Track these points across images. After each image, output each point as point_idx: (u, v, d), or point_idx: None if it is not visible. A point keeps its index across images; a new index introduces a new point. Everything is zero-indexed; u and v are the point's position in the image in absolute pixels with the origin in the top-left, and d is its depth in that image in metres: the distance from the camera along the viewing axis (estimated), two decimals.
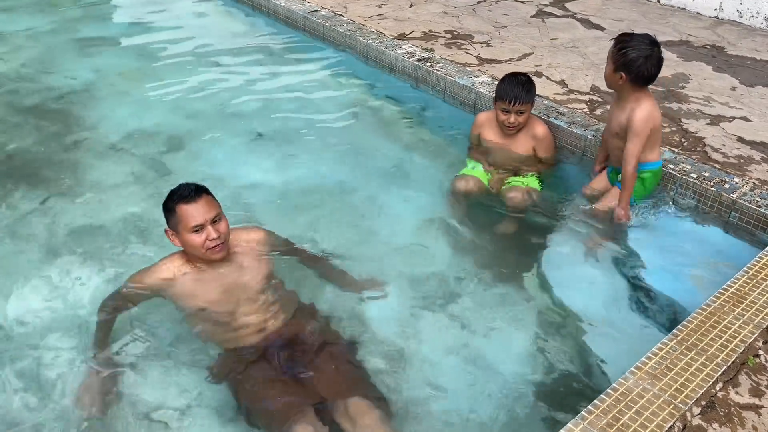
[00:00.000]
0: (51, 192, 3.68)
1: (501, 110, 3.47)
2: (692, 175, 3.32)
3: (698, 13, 5.98)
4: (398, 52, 4.88)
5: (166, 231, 2.53)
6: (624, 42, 2.99)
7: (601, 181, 3.44)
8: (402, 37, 5.24)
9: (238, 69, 5.25)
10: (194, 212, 2.40)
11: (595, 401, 2.06)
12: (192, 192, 2.44)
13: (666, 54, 4.96)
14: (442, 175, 3.82)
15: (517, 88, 3.40)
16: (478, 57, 4.87)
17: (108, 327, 2.60)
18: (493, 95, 3.60)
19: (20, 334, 2.75)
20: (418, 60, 4.73)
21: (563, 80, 4.50)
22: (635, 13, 5.95)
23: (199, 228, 2.41)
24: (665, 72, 4.62)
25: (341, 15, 5.70)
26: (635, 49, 2.94)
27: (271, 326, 2.52)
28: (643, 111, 3.01)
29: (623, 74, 2.99)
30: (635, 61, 2.94)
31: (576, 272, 3.10)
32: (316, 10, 5.79)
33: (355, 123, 4.49)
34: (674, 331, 2.34)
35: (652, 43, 2.98)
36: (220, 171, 3.89)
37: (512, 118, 3.46)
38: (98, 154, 4.06)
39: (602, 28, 5.52)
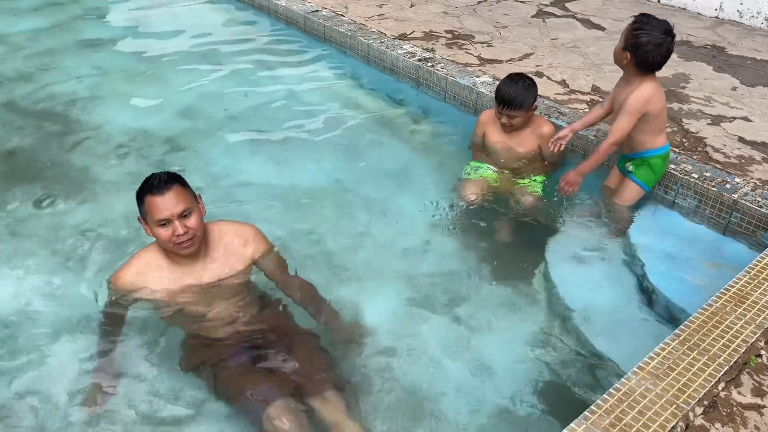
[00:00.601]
0: (52, 192, 3.68)
1: (498, 111, 3.48)
2: (693, 175, 3.32)
3: (699, 13, 5.99)
4: (399, 52, 4.88)
5: (138, 219, 2.45)
6: (640, 23, 2.95)
7: (614, 177, 3.44)
8: (403, 37, 5.25)
9: (238, 69, 5.25)
10: (161, 205, 2.30)
11: (598, 401, 2.06)
12: (161, 183, 2.32)
13: None
14: (442, 175, 3.83)
15: (509, 94, 3.38)
16: (479, 57, 4.87)
17: (108, 338, 2.55)
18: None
19: (20, 333, 2.75)
20: (419, 60, 4.73)
21: (564, 80, 4.50)
22: (636, 12, 5.92)
23: (165, 222, 2.31)
24: (666, 72, 4.63)
25: (342, 15, 5.70)
26: (648, 34, 2.91)
27: (241, 319, 2.50)
28: (642, 92, 2.99)
29: (629, 55, 2.97)
30: (644, 46, 2.92)
31: (578, 273, 3.10)
32: (317, 10, 5.79)
33: (355, 123, 4.50)
34: (676, 331, 2.35)
35: (666, 32, 2.94)
36: (221, 171, 3.90)
37: (504, 119, 3.48)
38: (99, 155, 4.06)
39: (603, 28, 5.53)
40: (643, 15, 3.02)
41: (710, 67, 4.75)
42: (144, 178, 2.39)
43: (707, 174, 3.33)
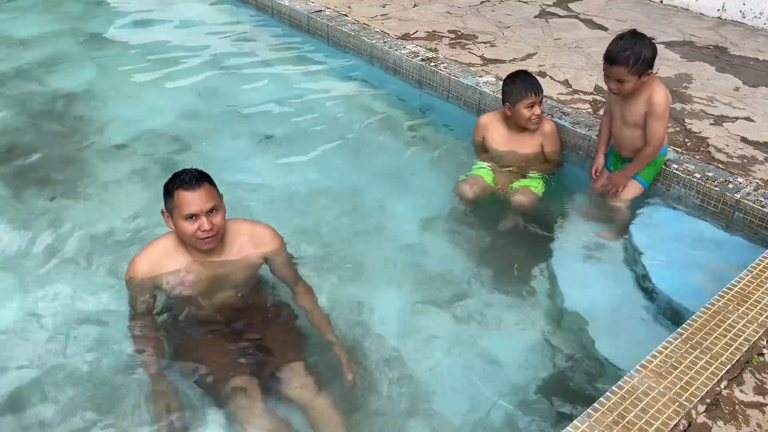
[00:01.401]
0: (57, 191, 3.70)
1: (527, 107, 3.48)
2: (696, 174, 3.33)
3: (701, 14, 6.00)
4: (402, 52, 4.90)
5: (162, 212, 2.50)
6: (632, 55, 2.98)
7: (604, 177, 3.45)
8: (406, 37, 5.26)
9: (242, 69, 5.27)
10: (191, 200, 2.36)
11: (601, 399, 2.08)
12: (193, 179, 2.39)
13: (669, 54, 5.01)
14: (445, 175, 3.84)
15: (532, 79, 3.51)
16: (482, 57, 4.89)
17: (147, 332, 2.54)
18: (498, 95, 3.61)
19: (26, 333, 2.76)
20: (422, 60, 4.75)
21: (567, 80, 4.51)
22: (638, 13, 5.96)
23: (193, 216, 2.37)
24: (669, 72, 4.65)
25: (345, 15, 5.71)
26: (645, 48, 2.99)
27: (233, 306, 2.60)
28: (660, 93, 3.07)
29: (650, 72, 3.04)
30: (654, 53, 3.02)
31: (581, 272, 3.11)
32: (321, 10, 5.81)
33: (358, 123, 4.51)
34: (679, 329, 2.36)
35: (635, 34, 3.05)
36: (224, 171, 3.89)
37: (538, 110, 3.50)
38: (104, 154, 4.08)
39: (605, 29, 5.54)
40: (617, 51, 3.03)
41: (713, 68, 4.76)
42: (173, 173, 2.47)
43: (710, 174, 3.34)
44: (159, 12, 6.48)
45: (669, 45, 5.20)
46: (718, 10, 5.90)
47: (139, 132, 4.33)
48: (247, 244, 2.60)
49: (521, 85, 3.48)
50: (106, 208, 3.56)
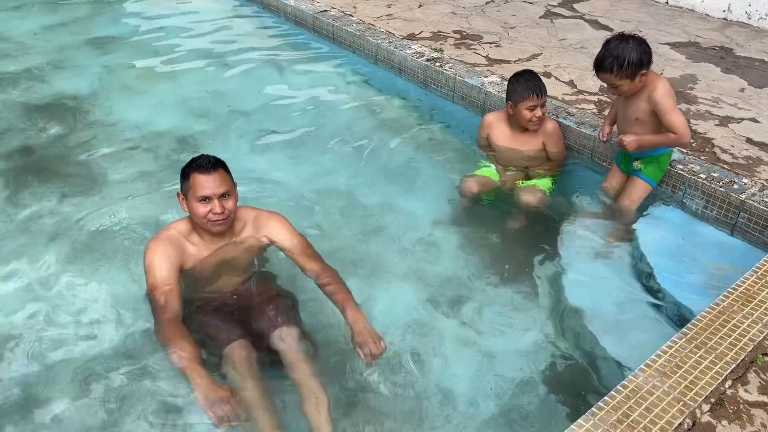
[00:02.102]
0: (64, 189, 3.72)
1: (528, 108, 3.49)
2: (701, 175, 3.33)
3: (707, 15, 5.99)
4: (407, 52, 4.91)
5: (177, 194, 2.62)
6: (616, 61, 2.98)
7: (616, 176, 3.46)
8: (411, 37, 5.27)
9: (248, 68, 5.29)
10: (205, 183, 2.47)
11: (606, 398, 2.09)
12: (209, 164, 2.51)
13: (674, 55, 5.01)
14: (450, 175, 3.85)
15: (537, 80, 3.49)
16: (487, 57, 4.89)
17: (173, 317, 2.41)
18: (504, 95, 3.61)
19: (33, 330, 2.78)
20: (428, 60, 4.76)
21: (572, 81, 4.52)
22: (643, 14, 5.96)
23: (206, 199, 2.48)
24: (674, 73, 4.65)
25: (350, 15, 5.73)
26: (631, 52, 2.97)
27: (237, 290, 2.72)
28: (660, 89, 3.04)
29: (644, 71, 3.02)
30: (642, 56, 2.98)
31: (586, 271, 3.12)
32: (326, 10, 5.82)
33: (364, 123, 4.52)
34: (683, 329, 2.37)
35: (624, 38, 3.03)
36: (230, 170, 3.92)
37: (539, 112, 3.51)
38: (111, 153, 4.10)
39: (610, 29, 5.54)
40: (603, 58, 3.03)
41: (718, 69, 4.76)
42: (192, 158, 2.58)
43: (715, 174, 3.34)
44: (165, 12, 6.50)
45: (674, 46, 5.20)
46: (724, 11, 5.90)
47: (146, 131, 4.35)
48: (251, 228, 2.70)
49: (524, 85, 3.48)
50: (113, 206, 3.58)
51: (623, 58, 2.97)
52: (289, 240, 2.71)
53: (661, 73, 4.65)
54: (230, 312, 2.64)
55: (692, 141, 3.72)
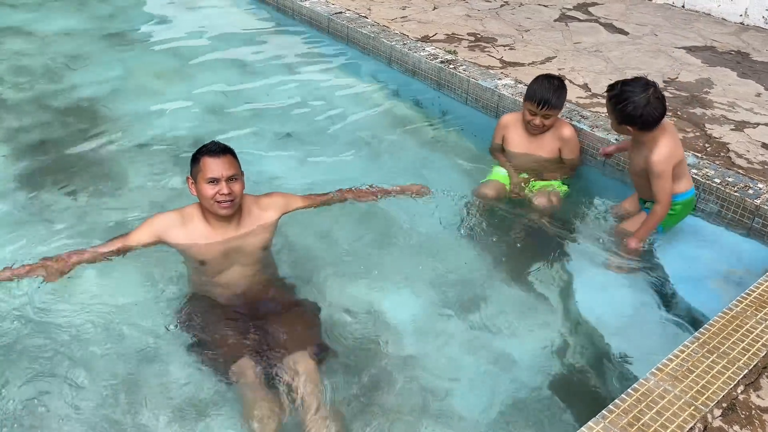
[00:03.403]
0: (80, 187, 3.76)
1: (528, 110, 3.49)
2: (716, 180, 3.32)
3: (723, 19, 5.96)
4: (421, 54, 4.92)
5: (187, 178, 2.73)
6: (618, 97, 2.87)
7: (633, 202, 3.35)
8: (425, 39, 5.28)
9: (263, 69, 5.32)
10: (214, 165, 2.58)
11: (616, 401, 2.08)
12: (219, 148, 2.64)
13: (690, 59, 4.98)
14: (463, 177, 3.85)
15: (547, 93, 3.41)
16: (501, 60, 4.89)
17: (103, 251, 2.73)
18: (517, 97, 3.61)
19: (47, 326, 2.81)
20: (442, 62, 4.77)
21: (586, 84, 4.51)
22: (659, 17, 5.94)
23: (214, 180, 2.58)
24: (690, 77, 4.63)
25: (365, 17, 5.75)
26: (631, 102, 2.82)
27: (250, 290, 2.76)
28: (660, 152, 2.89)
29: (629, 127, 2.91)
30: (636, 112, 2.83)
31: (598, 274, 3.11)
32: (341, 12, 5.85)
33: (377, 124, 4.54)
34: (696, 333, 2.36)
35: (646, 87, 2.85)
36: (244, 169, 3.93)
37: (537, 120, 3.48)
38: (126, 151, 4.14)
39: (626, 33, 5.52)
40: (612, 86, 2.95)
41: (734, 73, 4.73)
42: (202, 144, 2.71)
43: (730, 179, 3.33)
44: (182, 13, 6.56)
45: (690, 50, 5.17)
46: (741, 15, 5.86)
47: (162, 130, 4.39)
48: (256, 211, 2.81)
49: (533, 89, 3.47)
50: (129, 203, 3.61)
51: (623, 104, 2.87)
52: (297, 200, 2.97)
53: (676, 77, 4.63)
54: (241, 323, 2.64)
55: (707, 145, 3.70)
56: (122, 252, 2.76)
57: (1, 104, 4.68)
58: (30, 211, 3.55)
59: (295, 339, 2.57)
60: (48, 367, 2.61)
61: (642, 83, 2.87)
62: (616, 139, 3.67)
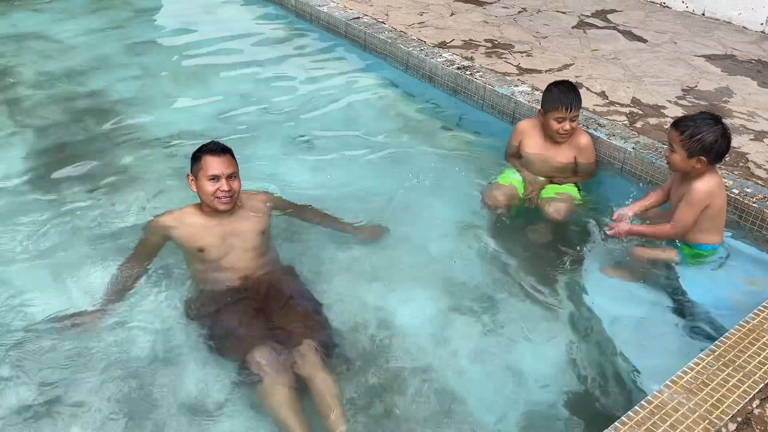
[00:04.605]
0: (98, 186, 3.81)
1: (556, 119, 3.47)
2: (734, 190, 3.28)
3: (744, 27, 5.90)
4: (438, 60, 4.92)
5: (187, 176, 2.92)
6: (692, 127, 2.86)
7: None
8: (442, 45, 5.29)
9: (280, 74, 5.35)
10: (215, 164, 2.79)
11: (629, 413, 2.06)
12: (219, 147, 2.86)
13: (710, 68, 4.94)
14: (478, 184, 3.84)
15: (570, 94, 3.44)
16: (518, 66, 4.88)
17: (124, 279, 2.90)
18: (534, 104, 3.60)
19: (55, 330, 2.85)
20: (458, 68, 4.77)
21: (603, 92, 4.49)
22: (679, 25, 5.89)
23: (215, 178, 2.78)
24: (709, 86, 4.58)
25: (383, 22, 5.77)
26: (710, 133, 2.82)
27: (253, 274, 2.85)
28: (705, 183, 2.89)
29: (703, 158, 2.86)
30: (714, 144, 2.83)
31: (612, 283, 3.08)
32: (358, 17, 5.87)
33: (393, 129, 4.55)
34: (711, 346, 2.33)
35: (717, 120, 2.88)
36: (259, 171, 3.97)
37: (567, 125, 3.48)
38: (144, 152, 4.19)
39: (645, 40, 5.48)
40: (685, 118, 2.93)
41: (755, 82, 4.68)
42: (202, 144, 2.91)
43: (748, 190, 3.29)
44: (201, 17, 6.62)
45: (710, 58, 5.13)
46: (762, 24, 5.80)
47: (178, 132, 4.44)
48: (249, 201, 3.02)
49: (557, 96, 3.46)
50: (145, 202, 3.66)
51: (698, 134, 2.83)
52: (283, 203, 3.22)
53: (695, 86, 4.59)
54: (250, 306, 2.71)
55: (726, 155, 3.65)
56: (144, 263, 2.96)
57: (22, 105, 4.77)
58: (49, 210, 3.61)
59: (301, 328, 2.63)
60: (63, 368, 2.64)
61: (711, 116, 2.90)
62: (633, 148, 3.64)
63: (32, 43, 5.87)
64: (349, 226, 3.35)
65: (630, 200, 3.33)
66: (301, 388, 2.44)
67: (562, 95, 3.44)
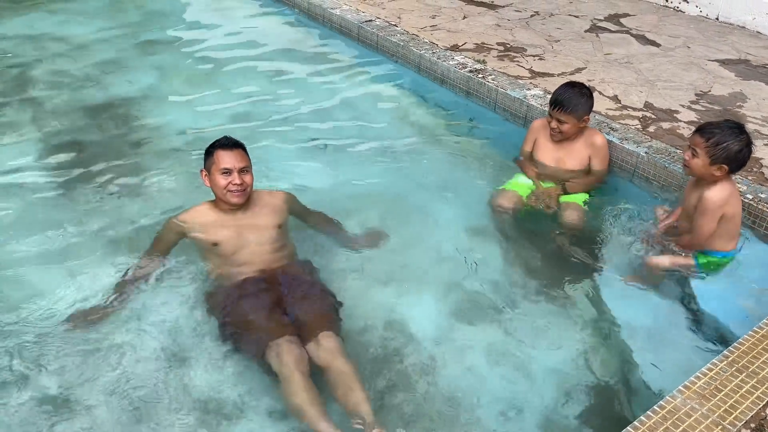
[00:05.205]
0: (112, 186, 3.85)
1: (550, 114, 3.52)
2: (748, 195, 3.27)
3: (758, 32, 5.86)
4: (450, 63, 4.93)
5: (201, 171, 2.98)
6: (718, 135, 2.83)
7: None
8: (454, 48, 5.29)
9: (293, 76, 5.37)
10: (227, 158, 2.84)
11: (642, 417, 2.06)
12: (231, 142, 2.91)
13: (723, 72, 4.92)
14: (489, 187, 3.84)
15: (562, 95, 3.43)
16: (530, 70, 4.88)
17: (139, 274, 2.96)
18: (545, 108, 3.60)
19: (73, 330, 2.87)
20: (470, 71, 4.77)
21: (616, 96, 4.48)
22: (692, 30, 5.87)
23: (227, 171, 2.83)
24: (722, 91, 4.56)
25: (395, 25, 5.78)
26: (736, 142, 2.81)
27: (269, 267, 2.88)
28: (718, 192, 2.86)
29: (725, 166, 2.83)
30: (739, 153, 2.82)
31: (624, 288, 3.07)
32: (371, 20, 5.89)
33: (405, 132, 4.55)
34: (725, 352, 2.33)
35: (741, 128, 2.86)
36: (271, 173, 3.99)
37: (553, 123, 3.49)
38: (159, 154, 4.22)
39: (658, 45, 5.47)
40: (710, 125, 2.90)
41: None
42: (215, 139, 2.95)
43: (762, 195, 3.27)
44: (214, 20, 6.66)
45: (724, 63, 5.10)
46: None
47: (191, 133, 4.47)
48: (269, 202, 3.05)
49: (555, 90, 3.49)
50: (158, 202, 3.69)
51: (724, 143, 2.80)
52: (297, 205, 3.20)
53: (709, 91, 4.57)
54: (268, 303, 2.71)
55: None
56: (159, 258, 3.00)
57: (37, 106, 4.82)
58: (64, 208, 3.65)
59: (322, 319, 2.66)
60: (77, 364, 2.67)
61: (736, 125, 2.88)
62: (645, 152, 3.63)
63: (49, 44, 5.93)
64: (347, 236, 3.35)
65: (646, 206, 3.32)
66: (317, 382, 2.45)
67: (557, 92, 3.47)
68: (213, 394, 2.56)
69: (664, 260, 3.10)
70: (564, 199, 3.53)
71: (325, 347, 2.53)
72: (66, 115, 4.69)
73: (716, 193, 2.87)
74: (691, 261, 3.06)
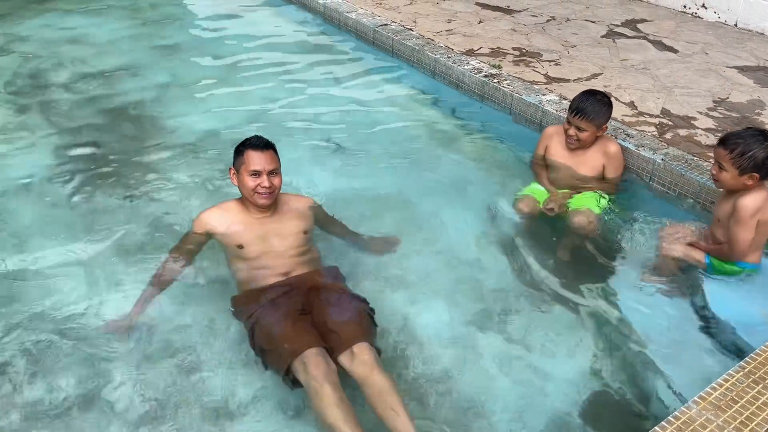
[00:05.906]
0: (129, 187, 3.88)
1: (567, 121, 3.50)
2: None
3: None
4: (465, 67, 4.92)
5: (229, 169, 2.94)
6: (741, 145, 2.79)
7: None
8: (470, 53, 5.28)
9: (307, 79, 5.39)
10: (257, 159, 2.78)
11: (656, 428, 2.04)
12: (262, 143, 2.85)
13: (742, 79, 4.87)
14: (502, 192, 3.83)
15: (584, 103, 3.41)
16: (546, 75, 4.86)
17: (164, 275, 2.93)
18: (561, 113, 3.59)
19: (92, 325, 2.90)
20: (485, 76, 4.76)
21: (632, 102, 4.44)
22: (710, 36, 5.82)
23: (257, 173, 2.77)
24: (740, 98, 4.52)
25: (410, 29, 5.78)
26: (761, 149, 2.75)
27: (294, 272, 2.82)
28: (753, 199, 2.81)
29: (755, 174, 2.79)
30: (767, 159, 2.75)
31: (638, 297, 3.05)
32: (386, 24, 5.90)
33: (419, 136, 4.55)
34: (741, 363, 2.29)
35: (765, 135, 2.81)
36: (285, 176, 3.99)
37: (572, 131, 3.47)
38: (174, 157, 4.25)
39: (675, 51, 5.42)
40: (732, 135, 2.86)
41: None
42: (246, 137, 2.93)
43: None
44: (229, 22, 6.71)
45: (742, 70, 5.05)
46: None
47: (205, 136, 4.49)
48: (295, 207, 3.01)
49: (575, 97, 3.48)
50: (174, 203, 3.72)
51: (749, 152, 2.76)
52: (321, 212, 3.17)
53: (727, 97, 4.53)
54: (294, 312, 2.62)
55: None
56: (186, 259, 2.97)
57: (55, 107, 4.87)
58: (81, 209, 3.69)
59: (355, 329, 2.54)
60: (95, 366, 2.69)
61: (758, 131, 2.84)
62: (662, 159, 3.60)
63: (66, 46, 6.00)
64: (362, 239, 3.34)
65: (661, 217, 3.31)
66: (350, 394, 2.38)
67: (578, 99, 3.45)
68: (231, 398, 2.55)
69: (677, 249, 3.08)
70: (576, 203, 3.50)
71: (361, 359, 2.41)
72: (82, 117, 4.74)
73: (751, 201, 2.82)
74: (703, 257, 3.04)
